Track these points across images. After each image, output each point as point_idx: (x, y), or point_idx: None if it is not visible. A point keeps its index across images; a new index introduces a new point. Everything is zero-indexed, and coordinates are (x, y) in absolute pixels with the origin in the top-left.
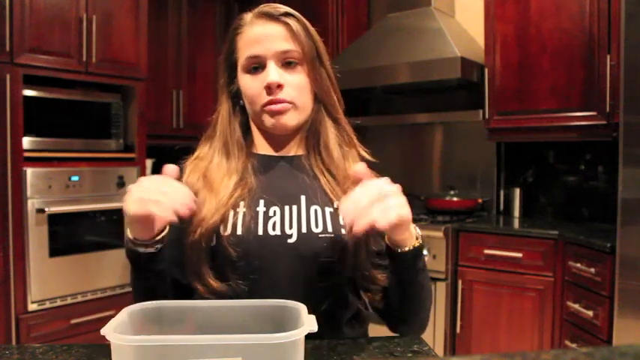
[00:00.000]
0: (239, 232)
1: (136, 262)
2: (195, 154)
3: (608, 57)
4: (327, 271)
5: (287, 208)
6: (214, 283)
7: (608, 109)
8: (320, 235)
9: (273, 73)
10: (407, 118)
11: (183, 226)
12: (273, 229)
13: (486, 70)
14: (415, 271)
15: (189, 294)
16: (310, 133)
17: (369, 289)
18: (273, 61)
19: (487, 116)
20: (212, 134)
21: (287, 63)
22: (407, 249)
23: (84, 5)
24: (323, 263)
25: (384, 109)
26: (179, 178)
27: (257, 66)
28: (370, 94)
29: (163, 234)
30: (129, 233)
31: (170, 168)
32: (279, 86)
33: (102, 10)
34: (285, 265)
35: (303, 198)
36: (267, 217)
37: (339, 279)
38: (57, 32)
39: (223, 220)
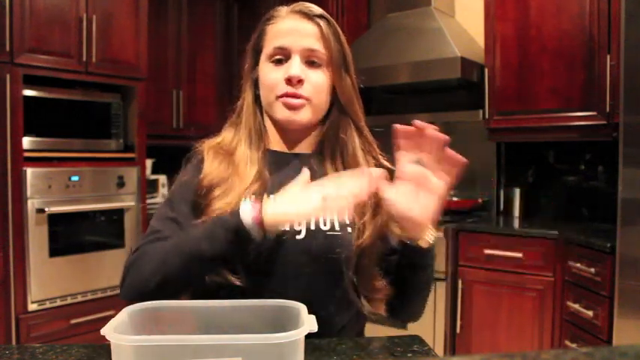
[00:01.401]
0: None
1: (232, 244)
2: (219, 139)
3: (608, 57)
4: (332, 269)
5: None
6: (231, 276)
7: (608, 109)
8: (328, 233)
9: (296, 67)
10: (407, 118)
11: (201, 201)
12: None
13: (486, 70)
14: (428, 262)
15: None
16: (328, 138)
17: (370, 297)
18: (298, 56)
19: (487, 116)
20: (237, 121)
21: (311, 62)
22: (424, 245)
23: (84, 5)
24: (329, 260)
25: (384, 109)
26: (202, 160)
27: (281, 57)
28: (370, 94)
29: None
30: (272, 221)
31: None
32: (300, 81)
33: (102, 10)
34: (293, 260)
35: None
36: (292, 224)
37: (344, 277)
38: (57, 32)
39: None
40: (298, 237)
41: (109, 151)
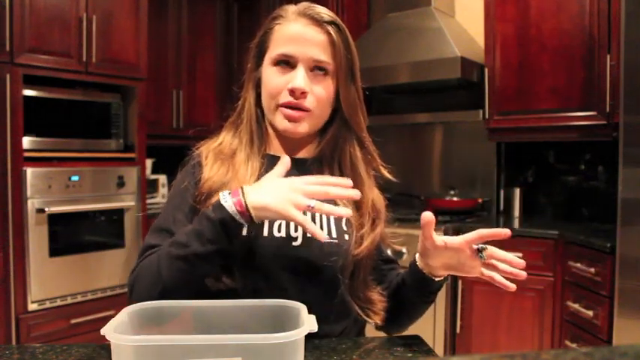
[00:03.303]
0: (244, 232)
1: (223, 238)
2: (219, 140)
3: (608, 57)
4: (328, 276)
5: None
6: (227, 280)
7: (608, 109)
8: (324, 240)
9: (300, 78)
10: (407, 118)
11: (200, 207)
12: (279, 231)
13: (486, 70)
14: (434, 294)
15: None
16: (330, 145)
17: (363, 307)
18: (304, 66)
19: (487, 116)
20: (237, 122)
21: (316, 72)
22: (441, 279)
23: (84, 5)
24: (325, 268)
25: (384, 109)
26: (199, 163)
27: (286, 64)
28: (370, 94)
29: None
30: (253, 214)
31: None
32: (303, 93)
33: (102, 10)
34: (289, 267)
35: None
36: (272, 219)
37: (340, 284)
38: (57, 32)
39: None
40: (294, 243)
41: (109, 151)
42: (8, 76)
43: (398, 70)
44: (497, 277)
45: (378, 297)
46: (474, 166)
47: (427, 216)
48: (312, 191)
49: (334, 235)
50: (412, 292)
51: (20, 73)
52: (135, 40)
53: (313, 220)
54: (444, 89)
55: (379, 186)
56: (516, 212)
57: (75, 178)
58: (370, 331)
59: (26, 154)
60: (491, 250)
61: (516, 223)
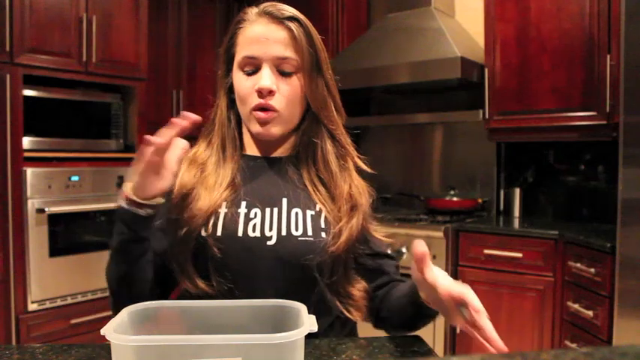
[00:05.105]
0: (219, 232)
1: (125, 228)
2: (194, 150)
3: (608, 57)
4: (305, 275)
5: (268, 210)
6: (201, 282)
7: (608, 109)
8: (299, 238)
9: (266, 78)
10: (407, 118)
11: (172, 215)
12: (253, 230)
13: (486, 70)
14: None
15: (170, 286)
16: (303, 142)
17: (348, 304)
18: (269, 65)
19: (487, 116)
20: (211, 129)
21: (282, 70)
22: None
23: (84, 5)
24: (302, 266)
25: (384, 109)
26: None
27: (252, 67)
28: (370, 94)
29: (157, 200)
30: (129, 193)
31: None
32: (271, 92)
33: (102, 10)
34: (264, 266)
35: (284, 201)
36: (247, 219)
37: (317, 282)
38: (57, 32)
39: (208, 220)
40: (269, 243)
41: (109, 151)
42: (8, 76)
43: (398, 70)
44: (479, 337)
45: (359, 293)
46: (474, 166)
47: (420, 248)
48: (159, 142)
49: (310, 233)
50: (414, 316)
51: (20, 73)
52: (135, 40)
53: (289, 218)
54: (443, 89)
55: (363, 178)
56: (516, 212)
57: (75, 178)
58: (370, 331)
59: (26, 154)
60: (473, 315)
61: (516, 223)
